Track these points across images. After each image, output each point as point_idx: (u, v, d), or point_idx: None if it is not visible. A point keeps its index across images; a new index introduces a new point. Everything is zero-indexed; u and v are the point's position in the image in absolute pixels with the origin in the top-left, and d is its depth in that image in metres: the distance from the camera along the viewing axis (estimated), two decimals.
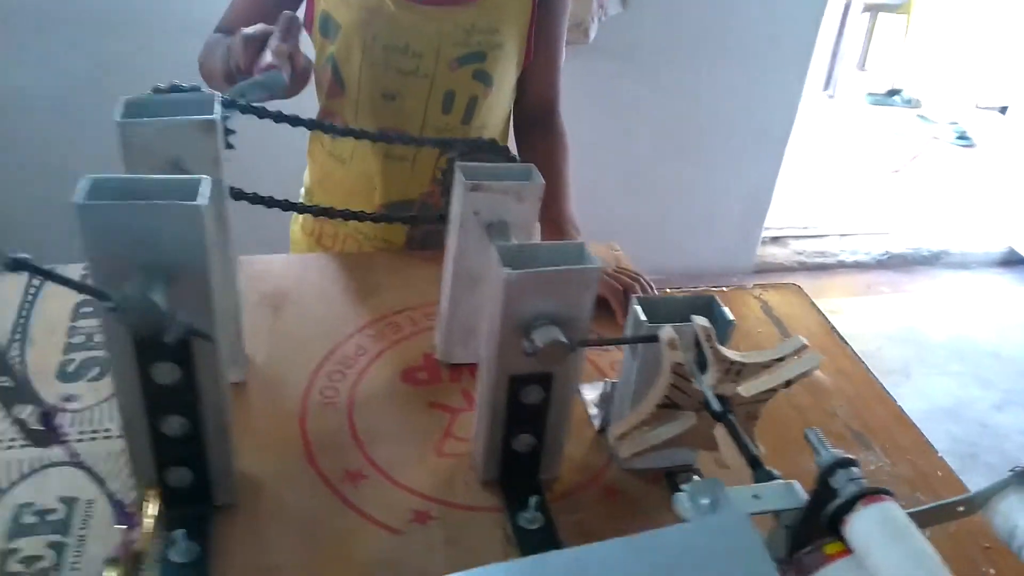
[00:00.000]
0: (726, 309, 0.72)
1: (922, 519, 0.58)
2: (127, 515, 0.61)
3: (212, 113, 0.68)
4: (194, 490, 0.67)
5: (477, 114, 1.05)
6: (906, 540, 0.48)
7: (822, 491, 0.53)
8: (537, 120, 1.12)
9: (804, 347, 0.68)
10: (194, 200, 0.55)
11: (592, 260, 0.65)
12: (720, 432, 0.65)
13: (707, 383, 0.65)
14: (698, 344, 0.66)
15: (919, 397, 2.33)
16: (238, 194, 0.80)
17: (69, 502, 0.69)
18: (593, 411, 0.83)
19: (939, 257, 3.05)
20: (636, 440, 0.69)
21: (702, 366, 0.66)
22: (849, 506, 0.50)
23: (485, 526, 0.71)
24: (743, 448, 0.63)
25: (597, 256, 0.65)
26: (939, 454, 0.85)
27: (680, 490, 0.54)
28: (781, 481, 0.57)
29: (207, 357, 0.61)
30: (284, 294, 0.95)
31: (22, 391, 0.49)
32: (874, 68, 4.89)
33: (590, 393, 0.85)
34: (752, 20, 2.31)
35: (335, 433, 0.78)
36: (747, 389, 0.69)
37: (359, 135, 0.87)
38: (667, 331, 0.65)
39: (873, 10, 4.71)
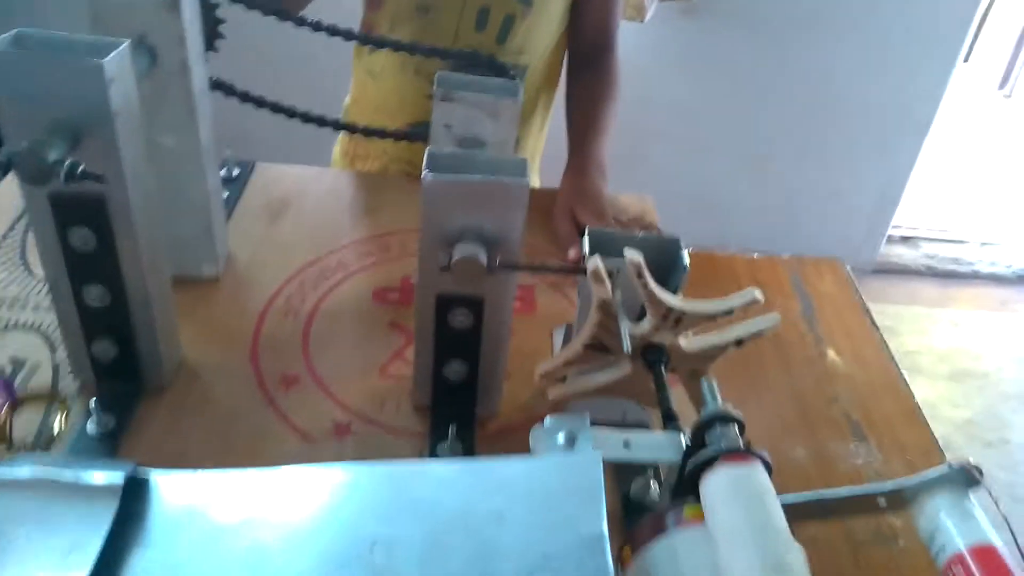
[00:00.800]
0: (685, 253, 0.64)
1: (830, 507, 0.50)
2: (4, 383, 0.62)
3: None
4: (120, 366, 0.68)
5: (513, 35, 1.00)
6: (753, 507, 0.41)
7: (696, 447, 0.47)
8: (588, 59, 1.06)
9: (755, 300, 0.60)
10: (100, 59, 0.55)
11: (523, 176, 0.60)
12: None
13: (641, 328, 0.59)
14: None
15: None
16: (223, 87, 0.80)
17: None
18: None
19: None
20: (568, 383, 0.64)
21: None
22: (708, 463, 0.44)
23: (401, 449, 0.68)
24: (661, 400, 0.57)
25: (525, 177, 0.59)
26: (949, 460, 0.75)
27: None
28: (663, 432, 0.51)
29: (124, 225, 0.61)
30: (287, 202, 0.95)
31: None
32: None
33: (558, 335, 0.80)
34: None
35: (286, 338, 0.77)
36: (691, 343, 0.62)
37: (366, 41, 0.85)
38: (594, 261, 0.59)
39: None
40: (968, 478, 0.48)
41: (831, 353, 0.85)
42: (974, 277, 2.67)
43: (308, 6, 0.96)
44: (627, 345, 0.56)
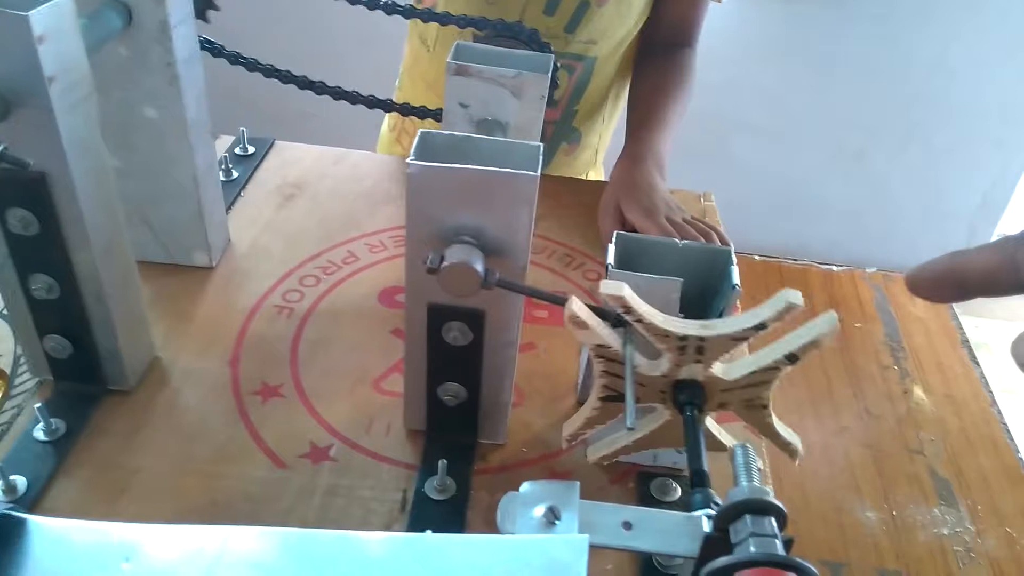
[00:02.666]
0: (735, 269, 0.52)
1: None
2: None
3: None
4: (78, 364, 0.60)
5: (585, 25, 0.89)
6: None
7: (716, 541, 0.35)
8: (664, 49, 0.94)
9: (792, 306, 0.46)
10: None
11: (533, 166, 0.48)
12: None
13: (660, 367, 0.47)
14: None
15: None
16: (211, 48, 0.71)
17: None
18: (581, 378, 0.66)
19: None
20: (607, 442, 0.52)
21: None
22: (730, 572, 0.32)
23: (385, 483, 0.57)
24: (690, 457, 0.45)
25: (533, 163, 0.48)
26: None
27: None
28: (682, 515, 0.39)
29: (68, 208, 0.52)
30: (301, 185, 0.86)
31: None
32: None
33: (587, 354, 0.68)
34: None
35: (275, 341, 0.68)
36: (727, 371, 0.49)
37: (409, 15, 0.74)
38: (572, 303, 0.47)
39: None
40: None
41: (918, 392, 0.71)
42: None
43: None
44: (631, 404, 0.43)
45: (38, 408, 0.57)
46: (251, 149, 0.89)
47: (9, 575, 0.37)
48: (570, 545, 0.34)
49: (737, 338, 0.45)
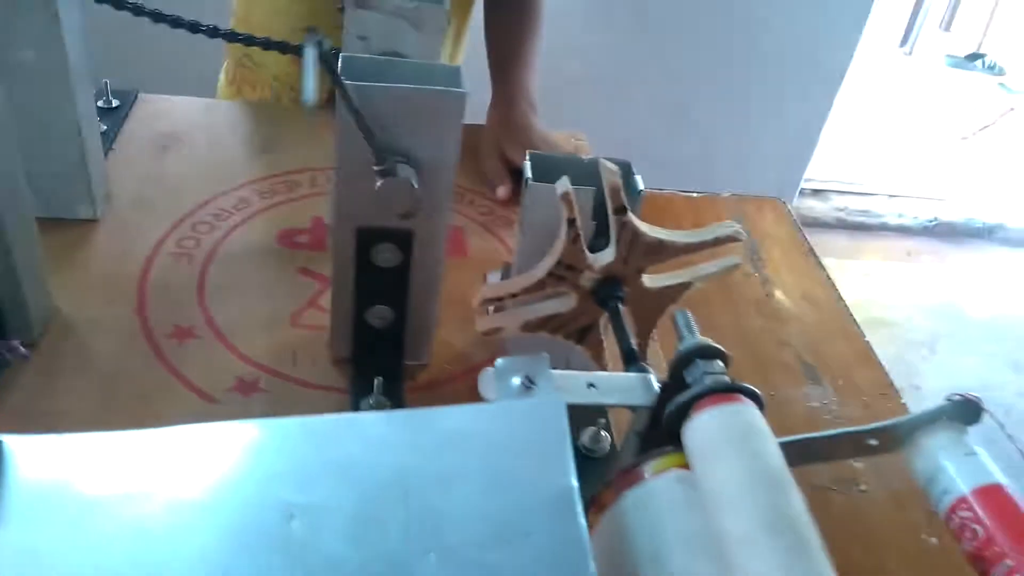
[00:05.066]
0: (639, 178, 0.58)
1: (816, 449, 0.45)
2: None
3: None
4: None
5: None
6: (749, 453, 0.34)
7: (674, 387, 0.40)
8: None
9: (738, 233, 0.54)
10: None
11: (459, 84, 0.51)
12: None
13: (604, 258, 0.52)
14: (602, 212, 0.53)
15: (942, 375, 2.15)
16: None
17: None
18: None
19: (993, 231, 2.81)
20: (503, 315, 0.56)
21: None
22: (692, 405, 0.37)
23: (320, 408, 0.59)
24: (620, 339, 0.50)
25: (460, 89, 0.51)
26: (903, 401, 0.71)
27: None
28: (635, 374, 0.44)
29: None
30: (177, 136, 0.84)
31: None
32: (959, 30, 4.53)
33: (493, 278, 0.72)
34: None
35: (179, 286, 0.67)
36: (654, 280, 0.55)
37: None
38: (564, 183, 0.51)
39: None
40: (968, 414, 0.43)
41: (778, 294, 0.80)
42: (883, 229, 2.73)
43: None
44: (595, 259, 0.48)
45: None
46: (115, 102, 0.85)
47: None
48: (551, 406, 0.38)
49: (691, 248, 0.51)
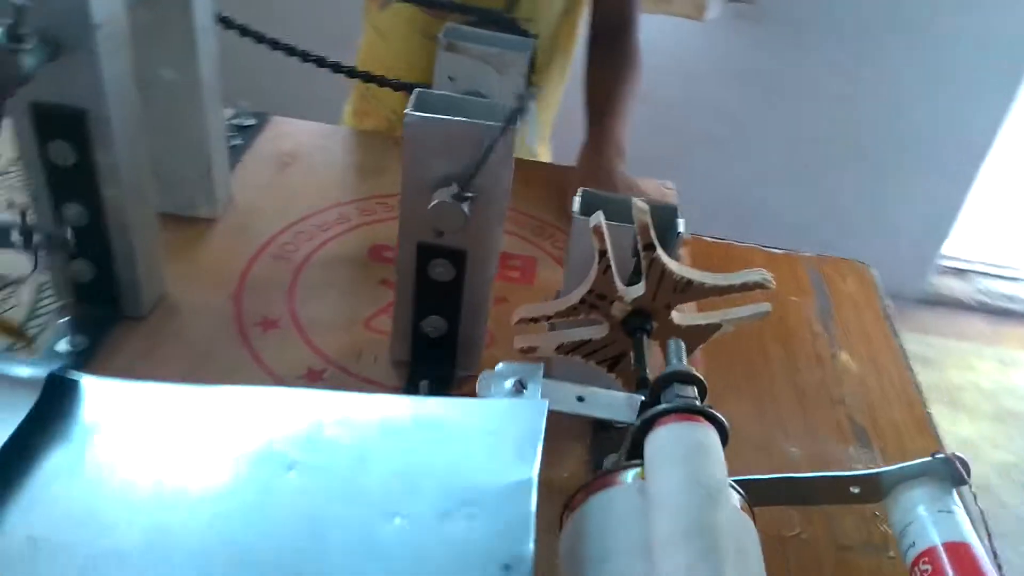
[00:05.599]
0: (681, 221, 0.61)
1: (798, 490, 0.46)
2: None
3: None
4: (97, 289, 0.67)
5: (523, 3, 0.98)
6: (691, 465, 0.37)
7: (651, 406, 0.43)
8: (608, 35, 1.04)
9: (766, 280, 0.57)
10: None
11: (514, 124, 0.57)
12: None
13: (635, 292, 0.55)
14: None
15: None
16: (226, 21, 0.79)
17: None
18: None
19: None
20: (538, 336, 0.61)
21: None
22: (653, 422, 0.40)
23: None
24: (638, 365, 0.54)
25: (495, 118, 0.56)
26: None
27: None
28: (624, 394, 0.47)
29: (103, 143, 0.60)
30: (297, 154, 0.94)
31: None
32: None
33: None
34: (961, 5, 2.03)
35: (274, 283, 0.75)
36: (684, 318, 0.59)
37: None
38: (597, 217, 0.56)
39: None
40: (954, 473, 0.44)
41: (844, 355, 0.80)
42: None
43: None
44: (624, 291, 0.52)
45: (64, 322, 0.64)
46: (250, 121, 0.97)
47: (59, 431, 0.43)
48: (533, 406, 0.42)
49: (718, 290, 0.54)
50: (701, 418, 0.39)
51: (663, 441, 0.39)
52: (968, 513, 0.42)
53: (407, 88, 0.89)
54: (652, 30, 1.90)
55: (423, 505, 0.38)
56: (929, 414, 0.75)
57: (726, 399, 0.73)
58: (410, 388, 0.66)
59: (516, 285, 0.80)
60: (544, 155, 1.17)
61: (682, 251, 0.82)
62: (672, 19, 1.92)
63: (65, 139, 0.59)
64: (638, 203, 0.55)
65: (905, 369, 0.80)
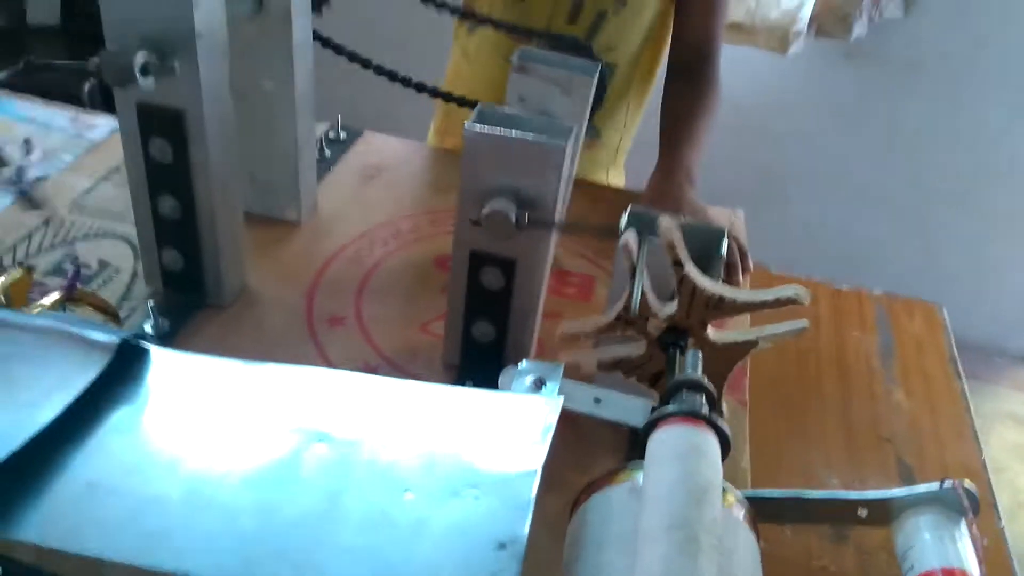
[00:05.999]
0: (725, 242, 0.63)
1: (808, 509, 0.47)
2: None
3: None
4: (186, 278, 0.74)
5: (603, 30, 1.02)
6: (685, 467, 0.39)
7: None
8: (688, 65, 1.05)
9: (797, 296, 0.57)
10: None
11: (564, 139, 0.60)
12: None
13: (669, 309, 0.57)
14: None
15: None
16: (324, 40, 0.85)
17: None
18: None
19: None
20: (579, 352, 0.63)
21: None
22: (657, 424, 0.42)
23: None
24: (669, 378, 0.56)
25: (566, 136, 0.60)
26: (1002, 523, 0.68)
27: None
28: (641, 399, 0.49)
29: (198, 142, 0.66)
30: (382, 168, 0.99)
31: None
32: None
33: None
34: None
35: (345, 283, 0.81)
36: (720, 335, 0.60)
37: (464, 16, 0.88)
38: (627, 235, 0.58)
39: None
40: (961, 503, 0.44)
41: (900, 394, 0.79)
42: None
43: None
44: (658, 308, 0.54)
45: (151, 307, 0.71)
46: (343, 135, 1.03)
47: (124, 392, 0.49)
48: (548, 402, 0.45)
49: (749, 306, 0.55)
50: (702, 423, 0.41)
51: (662, 441, 0.41)
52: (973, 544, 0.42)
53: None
54: (738, 61, 1.91)
55: (434, 483, 0.42)
56: (984, 462, 0.74)
57: (773, 421, 0.73)
58: None
59: (572, 302, 0.83)
60: (617, 180, 1.19)
61: (743, 279, 0.83)
62: (760, 52, 1.91)
63: (164, 137, 0.66)
64: (665, 220, 0.56)
65: (964, 412, 0.79)
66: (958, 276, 2.28)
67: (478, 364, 0.71)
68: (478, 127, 0.60)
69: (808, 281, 0.93)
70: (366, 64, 0.91)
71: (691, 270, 0.55)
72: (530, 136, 0.59)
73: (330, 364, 0.71)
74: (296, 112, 0.81)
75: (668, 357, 0.58)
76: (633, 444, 0.66)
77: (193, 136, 0.66)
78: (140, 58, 0.59)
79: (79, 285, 0.67)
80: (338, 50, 0.89)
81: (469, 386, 0.67)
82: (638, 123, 1.17)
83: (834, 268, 2.18)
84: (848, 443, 0.73)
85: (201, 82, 0.63)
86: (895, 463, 0.72)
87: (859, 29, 1.82)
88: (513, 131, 0.59)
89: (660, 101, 1.07)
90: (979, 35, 1.95)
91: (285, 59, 0.77)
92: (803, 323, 0.59)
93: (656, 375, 0.62)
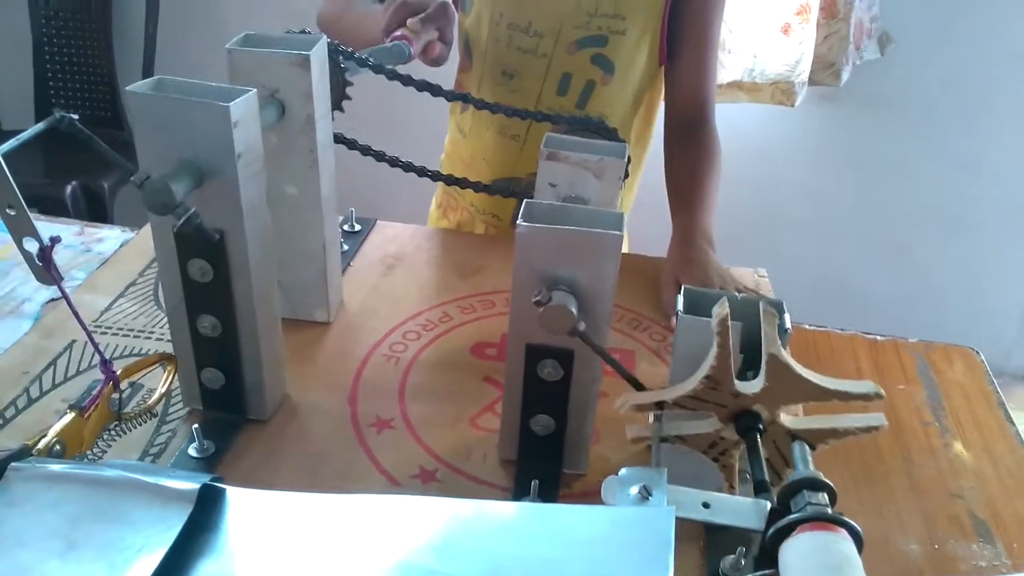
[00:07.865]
0: (787, 316, 0.62)
1: None
2: (107, 365, 0.64)
3: (310, 51, 0.72)
4: (226, 396, 0.71)
5: (594, 100, 1.04)
6: None
7: (780, 514, 0.44)
8: (685, 127, 1.06)
9: (876, 394, 0.56)
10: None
11: (618, 228, 0.59)
12: None
13: (751, 387, 0.56)
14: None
15: None
16: (347, 142, 0.84)
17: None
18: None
19: None
20: (649, 427, 0.62)
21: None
22: (788, 531, 0.41)
23: None
24: (754, 470, 0.54)
25: (620, 231, 0.59)
26: None
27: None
28: (750, 500, 0.48)
29: (239, 261, 0.65)
30: (401, 257, 0.98)
31: (24, 222, 0.54)
32: None
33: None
34: None
35: (385, 384, 0.79)
36: (795, 421, 0.59)
37: (472, 103, 0.89)
38: (723, 307, 0.57)
39: None
40: None
41: (958, 446, 0.78)
42: None
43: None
44: (740, 385, 0.53)
45: (195, 429, 0.68)
46: (357, 227, 1.02)
47: (208, 542, 0.46)
48: (661, 514, 0.43)
49: (827, 396, 0.54)
50: (837, 527, 0.40)
51: (801, 552, 0.39)
52: None
53: (485, 190, 0.94)
54: (736, 114, 1.94)
55: None
56: None
57: (843, 496, 0.72)
58: (519, 487, 0.67)
59: (615, 380, 0.81)
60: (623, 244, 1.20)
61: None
62: (753, 106, 1.95)
63: (204, 257, 0.64)
64: (765, 306, 0.55)
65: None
66: (953, 300, 2.31)
67: (537, 457, 0.69)
68: (528, 224, 0.59)
69: (844, 335, 0.93)
70: (379, 157, 0.90)
71: (781, 351, 0.54)
72: (584, 227, 0.58)
73: (382, 471, 0.69)
74: (322, 213, 0.80)
75: (748, 442, 0.56)
76: (711, 530, 0.64)
77: (233, 254, 0.64)
78: (183, 188, 0.57)
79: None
80: (352, 146, 0.88)
81: (535, 485, 0.65)
82: (635, 191, 1.17)
83: (833, 309, 2.20)
84: (919, 505, 0.72)
85: (242, 201, 0.62)
86: (969, 520, 0.70)
87: (846, 75, 1.86)
88: (563, 224, 0.59)
89: (656, 164, 1.08)
90: (966, 71, 2.01)
91: (309, 163, 0.77)
92: (880, 418, 0.58)
93: (722, 451, 0.61)
